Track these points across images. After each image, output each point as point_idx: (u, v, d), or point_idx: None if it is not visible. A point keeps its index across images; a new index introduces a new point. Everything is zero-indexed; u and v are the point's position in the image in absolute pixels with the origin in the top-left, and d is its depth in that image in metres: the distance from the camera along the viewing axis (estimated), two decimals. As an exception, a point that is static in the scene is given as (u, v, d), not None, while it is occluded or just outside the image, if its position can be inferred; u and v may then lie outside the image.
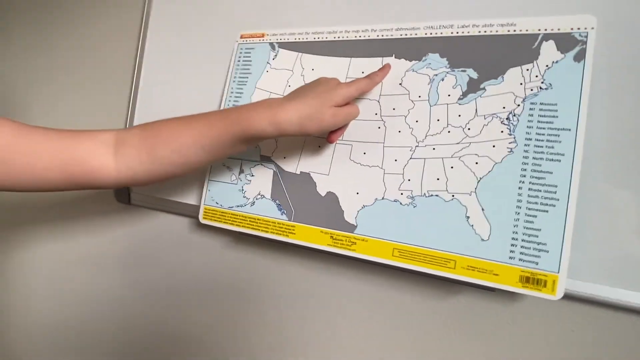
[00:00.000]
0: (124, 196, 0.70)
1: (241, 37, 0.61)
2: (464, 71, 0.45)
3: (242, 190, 0.55)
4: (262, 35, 0.59)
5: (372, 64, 0.50)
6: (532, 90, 0.42)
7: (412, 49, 0.48)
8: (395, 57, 0.49)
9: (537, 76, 0.42)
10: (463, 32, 0.46)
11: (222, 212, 0.56)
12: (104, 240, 0.74)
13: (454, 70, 0.46)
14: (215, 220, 0.57)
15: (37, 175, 0.50)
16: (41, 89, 0.84)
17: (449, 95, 0.45)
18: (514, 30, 0.44)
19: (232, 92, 0.59)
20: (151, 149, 0.49)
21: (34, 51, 0.85)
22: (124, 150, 0.49)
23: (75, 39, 0.80)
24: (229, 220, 0.55)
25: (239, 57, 0.60)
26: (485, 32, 0.45)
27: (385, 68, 0.48)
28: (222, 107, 0.60)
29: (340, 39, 0.53)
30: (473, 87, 0.44)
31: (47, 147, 0.49)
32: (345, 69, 0.52)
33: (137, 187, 0.68)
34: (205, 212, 0.58)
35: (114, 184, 0.50)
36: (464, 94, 0.45)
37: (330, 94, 0.45)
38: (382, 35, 0.50)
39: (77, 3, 0.80)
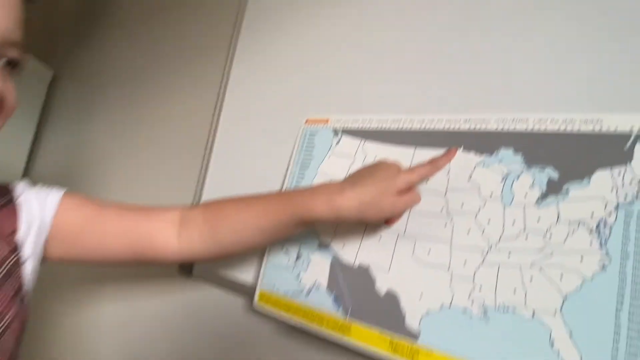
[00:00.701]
0: (187, 268, 0.72)
1: (306, 122, 0.63)
2: (542, 170, 0.41)
3: (299, 276, 0.54)
4: (327, 121, 0.60)
5: (437, 152, 0.49)
6: (626, 197, 0.37)
7: (482, 142, 0.46)
8: (463, 150, 0.47)
9: (632, 181, 0.37)
10: (540, 128, 0.43)
11: (276, 299, 0.55)
12: (163, 308, 0.76)
13: (530, 169, 0.42)
14: (269, 305, 0.55)
15: (107, 251, 0.53)
16: (121, 161, 0.93)
17: (525, 196, 0.42)
18: (600, 129, 0.40)
19: (294, 175, 0.60)
20: (213, 230, 0.51)
21: (116, 127, 0.96)
22: (188, 230, 0.52)
23: (155, 117, 0.89)
24: (283, 308, 0.54)
25: (303, 141, 0.62)
26: (565, 128, 0.42)
27: (450, 153, 0.47)
28: (284, 189, 0.61)
29: (405, 128, 0.52)
30: (554, 188, 0.40)
31: (119, 226, 0.53)
32: (409, 159, 0.51)
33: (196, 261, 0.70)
34: (260, 296, 0.57)
35: (175, 261, 0.53)
36: (543, 196, 0.41)
37: (391, 182, 0.44)
38: (449, 127, 0.49)
39: (159, 86, 0.90)
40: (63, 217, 0.51)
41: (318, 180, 0.58)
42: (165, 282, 0.76)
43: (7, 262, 0.46)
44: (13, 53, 0.41)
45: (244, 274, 0.63)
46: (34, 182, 0.53)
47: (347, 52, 0.62)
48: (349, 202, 0.43)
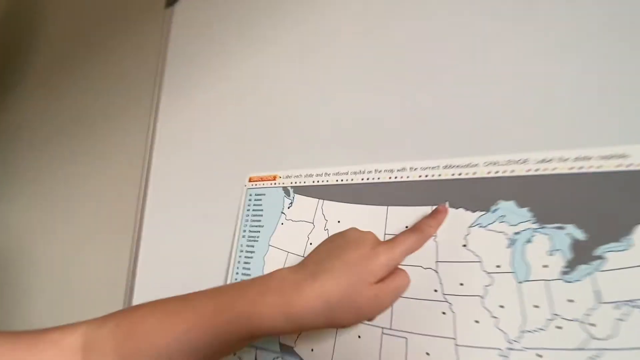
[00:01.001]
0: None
1: (250, 181, 0.50)
2: (562, 228, 0.31)
3: (259, 396, 0.40)
4: (274, 178, 0.48)
5: (417, 215, 0.37)
6: (690, 260, 0.26)
7: (473, 194, 0.35)
8: (450, 206, 0.36)
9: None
10: (545, 170, 0.32)
11: None
12: None
13: (544, 227, 0.31)
14: None
15: None
16: (44, 243, 0.76)
17: (545, 267, 0.30)
18: (629, 166, 0.30)
19: (241, 251, 0.47)
20: (123, 356, 0.36)
21: (36, 205, 0.80)
22: (92, 358, 0.37)
23: (77, 191, 0.74)
24: None
25: (248, 206, 0.49)
26: (580, 168, 0.31)
27: (440, 213, 0.35)
28: (229, 275, 0.47)
29: (371, 180, 0.41)
30: (582, 253, 0.29)
31: None
32: (382, 221, 0.39)
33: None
34: None
35: None
36: (570, 265, 0.30)
37: (368, 265, 0.32)
38: (428, 176, 0.38)
39: (81, 155, 0.76)
40: None
41: (270, 257, 0.45)
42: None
43: None
44: None
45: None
46: None
47: (292, 91, 0.51)
48: (311, 304, 0.30)
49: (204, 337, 0.34)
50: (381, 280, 0.32)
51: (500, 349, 0.30)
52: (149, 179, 0.63)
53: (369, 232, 0.36)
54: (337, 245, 0.35)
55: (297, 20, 0.52)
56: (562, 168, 0.32)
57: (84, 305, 0.67)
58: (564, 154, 0.32)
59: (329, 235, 0.42)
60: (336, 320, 0.31)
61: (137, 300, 0.57)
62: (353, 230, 0.36)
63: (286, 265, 0.43)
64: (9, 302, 0.79)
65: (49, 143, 0.84)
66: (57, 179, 0.79)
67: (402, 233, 0.34)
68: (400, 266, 0.34)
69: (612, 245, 0.28)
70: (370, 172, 0.41)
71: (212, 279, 0.48)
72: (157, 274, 0.56)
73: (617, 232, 0.28)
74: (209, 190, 0.54)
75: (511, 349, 0.30)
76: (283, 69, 0.52)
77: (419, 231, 0.34)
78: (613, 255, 0.28)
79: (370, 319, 0.35)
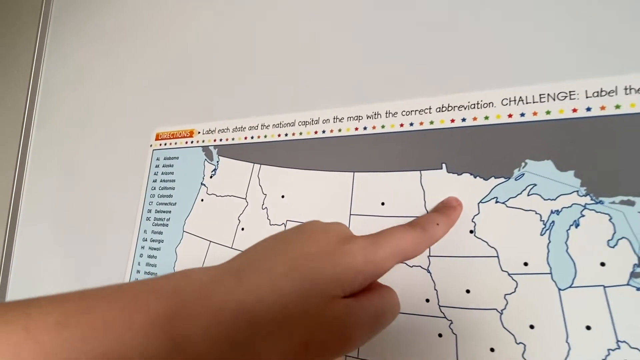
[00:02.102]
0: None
1: (157, 139, 0.35)
2: (631, 204, 0.19)
3: None
4: (190, 134, 0.33)
5: (401, 181, 0.24)
6: None
7: (486, 151, 0.22)
8: (447, 170, 0.23)
9: None
10: (604, 110, 0.20)
11: None
12: None
13: (601, 201, 0.20)
14: None
15: None
16: None
17: (602, 265, 0.19)
18: None
19: (145, 240, 0.33)
20: None
21: None
22: None
23: None
24: None
25: (155, 175, 0.34)
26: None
27: (453, 210, 0.22)
28: (127, 273, 0.33)
29: (329, 135, 0.27)
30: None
31: None
32: (346, 195, 0.26)
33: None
34: None
35: None
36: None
37: (332, 266, 0.18)
38: (413, 124, 0.25)
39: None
40: None
41: (185, 248, 0.31)
42: None
43: None
44: None
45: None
46: None
47: (211, 15, 0.35)
48: (216, 327, 0.17)
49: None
50: (353, 295, 0.19)
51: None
52: (29, 140, 0.46)
53: (338, 222, 0.22)
54: (285, 238, 0.21)
55: None
56: (630, 107, 0.20)
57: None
58: (634, 81, 0.20)
59: (269, 217, 0.28)
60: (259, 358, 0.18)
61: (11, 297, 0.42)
62: (314, 221, 0.22)
63: (206, 261, 0.29)
64: None
65: None
66: None
67: (394, 227, 0.21)
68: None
69: None
70: (326, 120, 0.28)
71: (107, 279, 0.34)
72: (33, 270, 0.41)
73: None
74: (104, 153, 0.39)
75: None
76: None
77: (420, 229, 0.20)
78: None
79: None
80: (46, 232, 0.41)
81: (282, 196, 0.28)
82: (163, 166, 0.34)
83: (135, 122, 0.37)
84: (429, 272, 0.22)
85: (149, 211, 0.33)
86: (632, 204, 0.19)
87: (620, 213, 0.19)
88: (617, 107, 0.20)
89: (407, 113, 0.25)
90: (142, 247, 0.33)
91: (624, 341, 0.18)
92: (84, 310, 0.16)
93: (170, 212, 0.32)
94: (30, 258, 0.42)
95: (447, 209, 0.22)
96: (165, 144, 0.34)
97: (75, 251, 0.38)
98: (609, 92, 0.20)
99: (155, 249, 0.32)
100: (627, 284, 0.18)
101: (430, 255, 0.23)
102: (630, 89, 0.20)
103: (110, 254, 0.35)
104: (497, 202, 0.22)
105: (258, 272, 0.18)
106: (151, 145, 0.35)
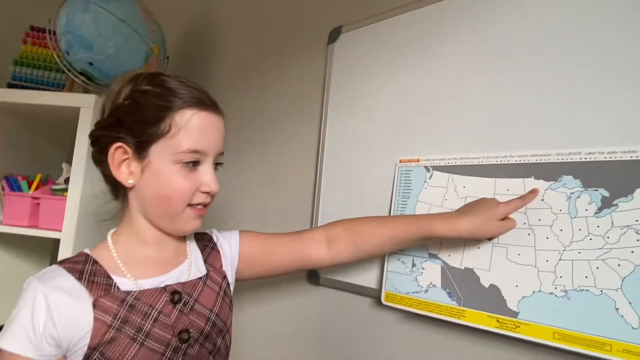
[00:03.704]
0: (314, 278, 0.93)
1: (400, 162, 0.83)
2: (597, 190, 0.59)
3: (416, 280, 0.74)
4: (418, 160, 0.80)
5: (514, 184, 0.67)
6: (661, 207, 0.54)
7: (548, 171, 0.64)
8: (534, 178, 0.65)
9: (663, 195, 0.54)
10: (590, 158, 0.60)
11: (400, 297, 0.75)
12: (296, 309, 0.98)
13: (587, 190, 0.60)
14: (395, 302, 0.76)
15: (279, 268, 0.77)
16: (247, 196, 1.17)
17: (586, 210, 0.59)
18: (637, 156, 0.57)
19: (398, 204, 0.80)
20: (356, 244, 0.72)
21: (240, 173, 1.20)
22: (335, 245, 0.74)
23: (268, 159, 1.12)
24: (407, 303, 0.74)
25: (401, 177, 0.81)
26: (610, 157, 0.59)
27: (535, 192, 0.64)
28: (392, 214, 0.81)
29: (484, 162, 0.71)
30: (606, 203, 0.58)
31: (285, 250, 0.76)
32: (492, 188, 0.69)
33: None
34: (386, 295, 0.77)
35: (327, 267, 0.77)
36: (600, 209, 0.58)
37: (493, 212, 0.63)
38: (519, 160, 0.67)
39: (265, 133, 1.13)
40: (245, 250, 0.74)
41: (418, 208, 0.77)
42: (297, 289, 0.99)
43: (223, 285, 0.69)
44: (220, 159, 0.64)
45: (366, 281, 0.84)
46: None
47: (432, 98, 0.82)
48: (465, 226, 0.63)
49: (404, 237, 0.68)
50: (501, 220, 0.63)
51: (558, 250, 0.60)
52: (322, 163, 0.97)
53: (494, 198, 0.66)
54: (476, 203, 0.66)
55: (430, 41, 0.82)
56: (600, 157, 0.59)
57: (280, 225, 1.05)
58: (601, 149, 0.60)
59: (458, 195, 0.73)
60: (475, 235, 0.63)
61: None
62: (485, 197, 0.67)
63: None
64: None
65: (242, 130, 1.22)
66: (253, 154, 1.18)
67: (513, 199, 0.64)
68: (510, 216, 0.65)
69: (622, 198, 0.56)
70: (483, 157, 0.71)
71: (377, 210, 0.82)
72: (331, 216, 0.91)
73: (626, 191, 0.56)
74: (370, 168, 0.88)
75: (565, 250, 0.59)
76: (423, 82, 0.82)
77: (522, 199, 0.64)
78: (622, 203, 0.56)
79: (490, 238, 0.66)
80: (338, 197, 0.92)
81: (464, 187, 0.72)
82: (404, 174, 0.81)
83: (388, 154, 0.85)
84: (525, 214, 0.64)
85: (399, 192, 0.81)
86: (597, 190, 0.59)
87: (593, 193, 0.59)
88: (596, 157, 0.60)
89: (512, 156, 0.67)
90: (397, 205, 0.80)
91: (592, 233, 0.58)
92: (408, 225, 0.68)
93: (410, 192, 0.79)
94: (329, 211, 0.93)
95: (532, 192, 0.64)
96: (405, 165, 0.82)
97: (361, 201, 0.87)
98: (595, 152, 0.60)
99: (404, 206, 0.79)
100: (593, 216, 0.59)
101: (527, 208, 0.65)
102: (612, 152, 0.60)
103: (378, 206, 0.83)
104: (551, 189, 0.63)
105: (473, 214, 0.65)
106: (397, 165, 0.83)
